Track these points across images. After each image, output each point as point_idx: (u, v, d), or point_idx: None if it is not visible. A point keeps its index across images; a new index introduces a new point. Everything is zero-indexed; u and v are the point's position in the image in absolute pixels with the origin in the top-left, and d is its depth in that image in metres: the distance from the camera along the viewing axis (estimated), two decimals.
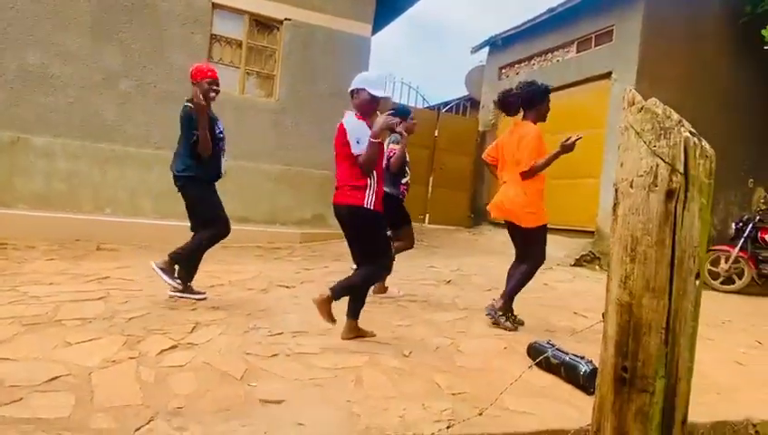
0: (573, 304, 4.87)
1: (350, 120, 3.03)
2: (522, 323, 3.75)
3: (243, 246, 6.55)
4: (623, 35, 7.59)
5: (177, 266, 3.75)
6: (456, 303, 4.43)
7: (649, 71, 7.34)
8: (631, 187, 1.20)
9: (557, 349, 2.95)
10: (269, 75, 7.46)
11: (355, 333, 3.13)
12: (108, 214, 6.49)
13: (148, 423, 1.97)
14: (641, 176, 1.18)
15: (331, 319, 3.06)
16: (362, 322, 3.60)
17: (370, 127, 2.98)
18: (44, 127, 6.24)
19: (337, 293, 3.06)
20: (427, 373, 2.70)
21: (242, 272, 4.96)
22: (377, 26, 8.81)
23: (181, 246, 3.76)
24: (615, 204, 1.27)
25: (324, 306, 3.03)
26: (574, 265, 7.44)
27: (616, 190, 1.28)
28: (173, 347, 2.78)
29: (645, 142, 1.17)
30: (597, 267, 7.48)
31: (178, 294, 3.73)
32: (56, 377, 2.27)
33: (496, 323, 3.66)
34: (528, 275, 3.76)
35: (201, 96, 3.52)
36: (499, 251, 7.87)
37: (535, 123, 3.76)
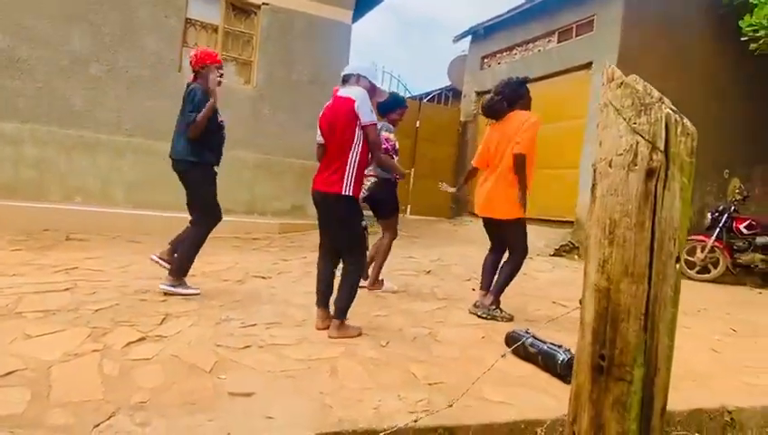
0: (553, 293, 4.86)
1: (358, 92, 2.91)
2: (512, 317, 3.70)
3: (220, 236, 6.34)
4: (604, 25, 7.59)
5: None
6: (434, 292, 4.38)
7: (629, 61, 7.34)
8: (610, 166, 1.14)
9: (535, 338, 2.92)
10: (246, 61, 7.28)
11: (342, 332, 2.96)
12: (78, 203, 6.28)
13: (108, 419, 1.87)
14: (620, 154, 1.12)
15: (357, 331, 3.02)
16: None
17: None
18: (11, 112, 5.99)
19: (343, 312, 2.98)
20: (403, 363, 2.64)
21: (217, 263, 4.84)
22: (357, 14, 8.66)
23: (178, 255, 3.62)
24: (593, 185, 1.21)
25: (343, 331, 2.96)
26: (554, 254, 7.48)
27: (594, 170, 1.22)
28: (140, 339, 2.68)
29: (624, 119, 1.11)
30: (576, 257, 7.53)
31: (172, 289, 3.55)
32: (12, 372, 2.15)
33: (492, 318, 3.62)
34: (515, 269, 3.72)
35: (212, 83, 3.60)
36: (479, 241, 7.84)
37: None
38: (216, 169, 3.74)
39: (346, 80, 3.06)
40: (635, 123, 1.10)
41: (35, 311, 2.98)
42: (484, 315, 3.62)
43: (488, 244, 4.03)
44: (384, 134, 4.04)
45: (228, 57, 7.16)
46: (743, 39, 6.71)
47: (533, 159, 3.61)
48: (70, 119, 6.25)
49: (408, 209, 10.20)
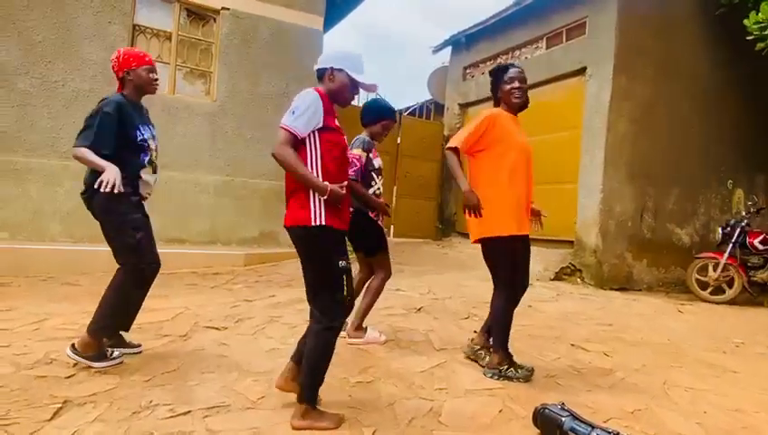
0: (568, 332, 4.09)
1: (306, 92, 2.12)
2: (531, 371, 2.89)
3: (174, 272, 5.50)
4: (597, 28, 7.00)
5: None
6: (430, 339, 3.56)
7: (626, 65, 6.77)
8: None
9: (574, 416, 2.14)
10: (205, 72, 6.47)
11: (311, 421, 2.11)
12: (4, 239, 5.33)
13: None
14: None
15: (333, 421, 2.15)
16: None
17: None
18: None
19: (310, 397, 2.14)
20: None
21: (162, 309, 3.95)
22: (327, 25, 7.97)
23: (95, 313, 2.72)
24: None
25: (311, 421, 2.11)
26: (554, 278, 6.75)
27: None
28: None
29: None
30: (579, 280, 6.81)
31: (75, 357, 2.64)
32: None
33: (506, 379, 2.82)
34: (499, 314, 2.90)
35: (142, 87, 2.88)
36: (471, 265, 7.09)
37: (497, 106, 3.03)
38: (140, 196, 2.84)
39: (320, 77, 2.25)
40: None
41: None
42: (494, 377, 2.82)
43: (483, 269, 3.24)
44: (354, 151, 3.23)
45: (184, 67, 6.35)
46: (748, 38, 6.17)
47: (498, 172, 2.83)
48: None
49: (392, 231, 9.41)
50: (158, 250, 2.95)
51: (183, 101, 6.20)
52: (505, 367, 2.84)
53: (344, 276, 2.12)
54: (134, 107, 2.86)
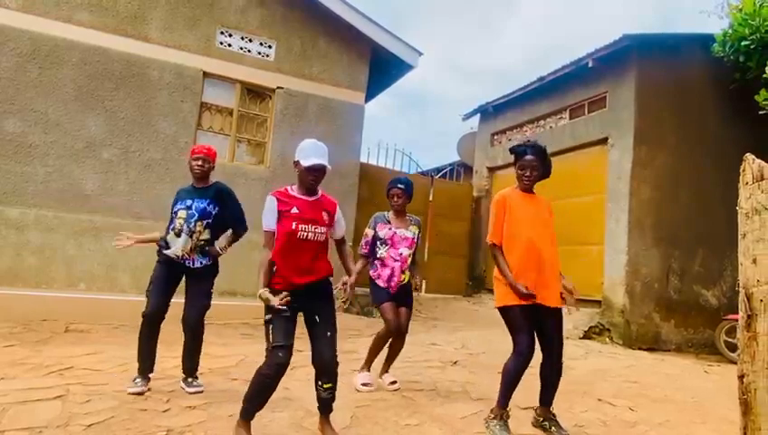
0: (596, 387, 4.39)
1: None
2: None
3: (228, 322, 6.04)
4: (617, 102, 7.57)
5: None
6: (467, 391, 3.93)
7: (645, 135, 7.27)
8: None
9: None
10: (260, 143, 7.25)
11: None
12: (81, 290, 5.98)
13: None
14: None
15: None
16: (362, 419, 3.13)
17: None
18: (17, 197, 5.85)
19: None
20: None
21: (225, 356, 4.44)
22: (368, 95, 8.78)
23: None
24: (749, 316, 0.90)
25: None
26: (584, 337, 6.99)
27: (748, 297, 0.91)
28: None
29: None
30: (607, 340, 7.03)
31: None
32: None
33: (489, 430, 3.02)
34: (506, 372, 3.09)
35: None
36: (501, 323, 7.37)
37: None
38: (164, 254, 3.55)
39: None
40: None
41: (20, 429, 2.60)
42: (485, 424, 3.09)
43: None
44: (366, 231, 4.03)
45: (242, 138, 7.15)
46: (761, 112, 6.63)
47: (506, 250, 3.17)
48: (79, 203, 6.11)
49: (424, 286, 9.80)
50: (213, 301, 3.75)
51: (240, 168, 6.95)
52: (492, 417, 3.07)
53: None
54: (189, 188, 3.66)
